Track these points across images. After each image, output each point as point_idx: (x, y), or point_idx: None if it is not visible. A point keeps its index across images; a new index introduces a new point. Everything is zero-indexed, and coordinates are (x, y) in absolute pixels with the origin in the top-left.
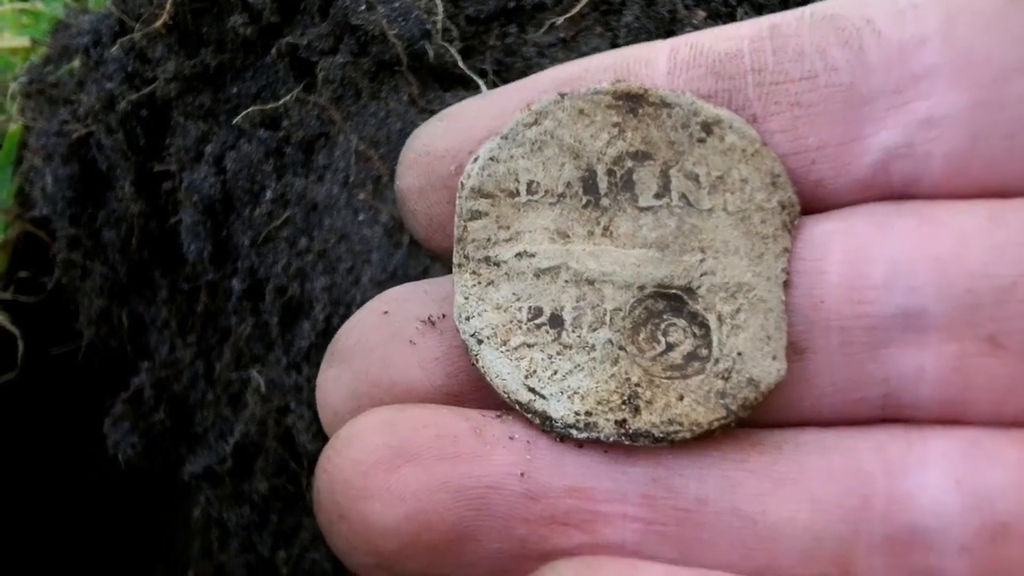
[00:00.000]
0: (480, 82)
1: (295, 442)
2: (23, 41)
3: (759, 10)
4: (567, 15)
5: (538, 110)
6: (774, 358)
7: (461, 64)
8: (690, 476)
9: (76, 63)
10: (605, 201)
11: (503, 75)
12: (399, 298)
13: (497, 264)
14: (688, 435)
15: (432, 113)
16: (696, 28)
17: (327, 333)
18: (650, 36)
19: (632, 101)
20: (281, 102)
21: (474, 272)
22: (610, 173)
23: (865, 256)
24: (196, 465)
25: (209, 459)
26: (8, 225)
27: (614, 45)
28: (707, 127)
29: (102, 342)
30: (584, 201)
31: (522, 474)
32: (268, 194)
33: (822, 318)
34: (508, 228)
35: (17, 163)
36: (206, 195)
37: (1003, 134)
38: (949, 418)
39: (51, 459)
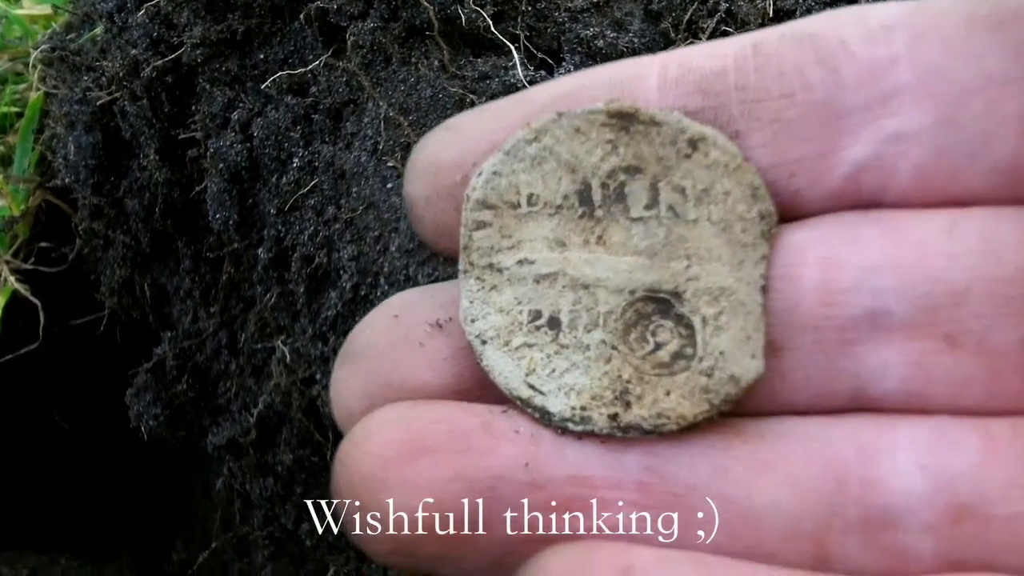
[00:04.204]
0: (512, 48)
1: (320, 413)
2: (44, 8)
3: None
4: None
5: (538, 128)
6: (753, 357)
7: (493, 29)
8: (681, 464)
9: (99, 30)
10: (599, 212)
11: (535, 40)
12: (407, 303)
13: (500, 270)
14: (675, 427)
15: (463, 79)
16: None
17: (354, 302)
18: (683, 1)
19: (624, 119)
20: (309, 68)
21: (479, 278)
22: (604, 186)
23: (836, 262)
24: (219, 436)
25: (233, 430)
26: (29, 195)
27: (647, 11)
28: (693, 144)
29: (124, 312)
30: (580, 212)
31: (527, 464)
32: (295, 162)
33: (797, 319)
34: (510, 237)
35: (38, 132)
36: (232, 163)
37: (963, 150)
38: (912, 408)
39: (73, 430)
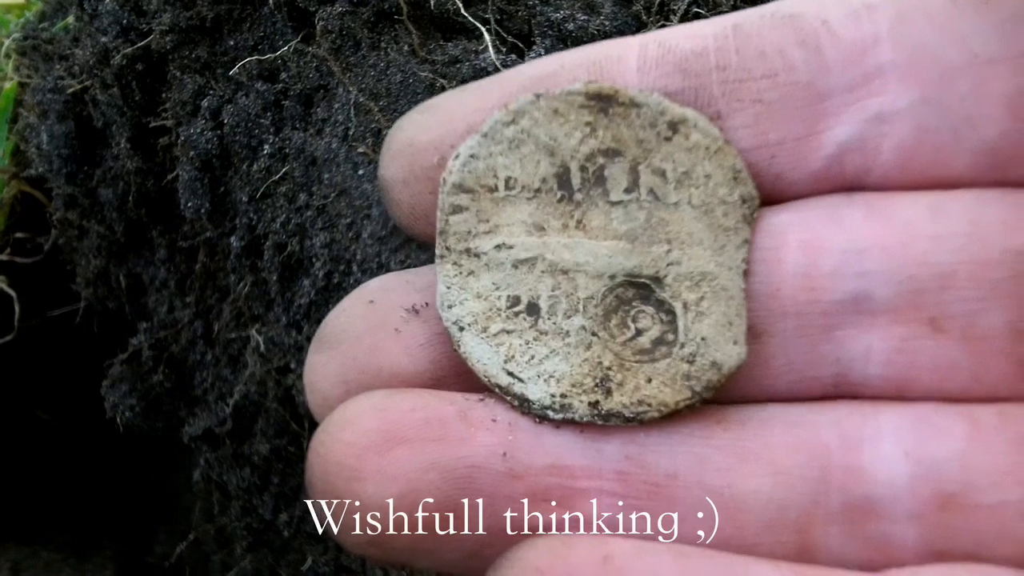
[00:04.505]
0: (483, 31)
1: (296, 402)
2: None
3: None
4: None
5: (515, 109)
6: (735, 343)
7: (463, 12)
8: (661, 452)
9: (71, 18)
10: (578, 196)
11: (506, 24)
12: (384, 288)
13: (477, 255)
14: (656, 415)
15: (433, 63)
16: None
17: (327, 290)
18: None
19: (603, 101)
20: (279, 54)
21: (455, 263)
22: (583, 169)
23: (818, 246)
24: (196, 427)
25: (209, 420)
26: (4, 185)
27: None
28: (673, 126)
29: (100, 303)
30: (559, 196)
31: (504, 454)
32: (266, 148)
33: (779, 304)
34: (488, 221)
35: (12, 121)
36: (203, 150)
37: (947, 129)
38: (895, 394)
39: (50, 422)
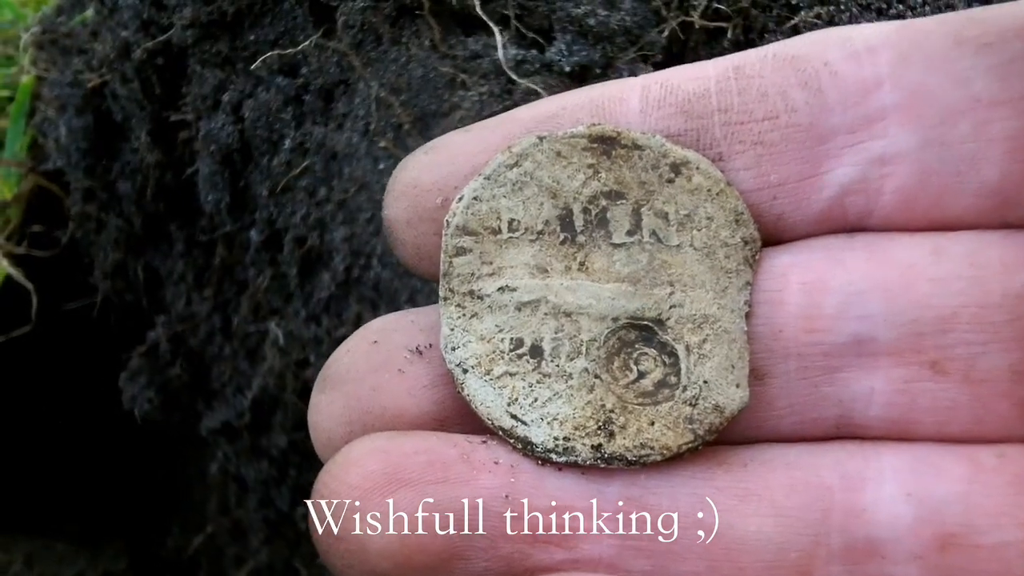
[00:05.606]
0: (496, 30)
1: None
2: None
3: None
4: None
5: (518, 152)
6: (737, 386)
7: (479, 10)
8: (662, 494)
9: (89, 12)
10: (581, 238)
11: (525, 19)
12: (387, 328)
13: (481, 298)
14: (658, 458)
15: (454, 58)
16: None
17: (347, 284)
18: None
19: (606, 143)
20: (300, 48)
21: (459, 305)
22: (586, 211)
23: (820, 287)
24: (213, 420)
25: (227, 414)
26: (21, 178)
27: None
28: (676, 168)
29: (117, 296)
30: (562, 238)
31: (506, 496)
32: (287, 143)
33: (781, 346)
34: (491, 264)
35: (30, 115)
36: (223, 144)
37: (949, 172)
38: (896, 436)
39: (67, 414)
